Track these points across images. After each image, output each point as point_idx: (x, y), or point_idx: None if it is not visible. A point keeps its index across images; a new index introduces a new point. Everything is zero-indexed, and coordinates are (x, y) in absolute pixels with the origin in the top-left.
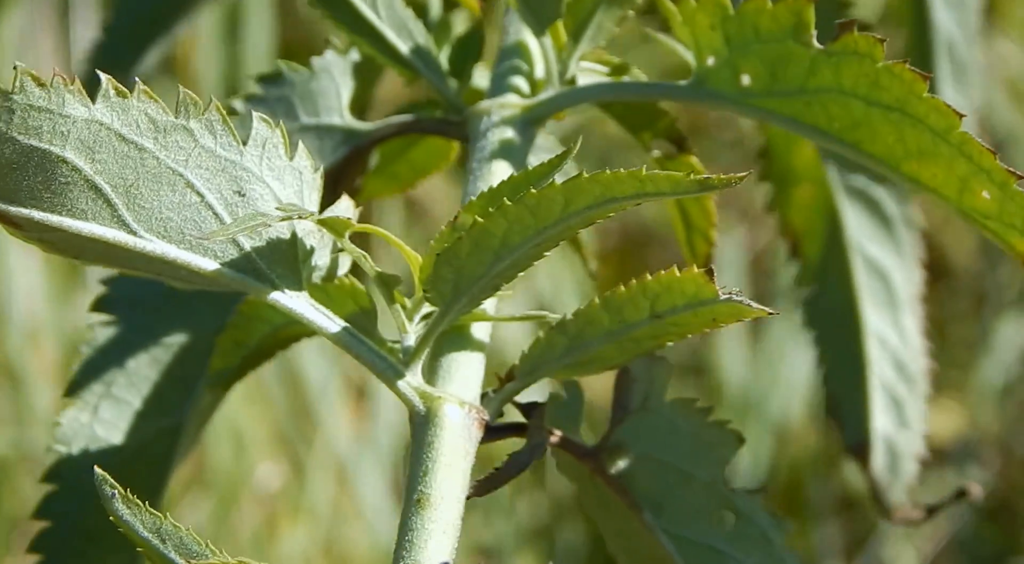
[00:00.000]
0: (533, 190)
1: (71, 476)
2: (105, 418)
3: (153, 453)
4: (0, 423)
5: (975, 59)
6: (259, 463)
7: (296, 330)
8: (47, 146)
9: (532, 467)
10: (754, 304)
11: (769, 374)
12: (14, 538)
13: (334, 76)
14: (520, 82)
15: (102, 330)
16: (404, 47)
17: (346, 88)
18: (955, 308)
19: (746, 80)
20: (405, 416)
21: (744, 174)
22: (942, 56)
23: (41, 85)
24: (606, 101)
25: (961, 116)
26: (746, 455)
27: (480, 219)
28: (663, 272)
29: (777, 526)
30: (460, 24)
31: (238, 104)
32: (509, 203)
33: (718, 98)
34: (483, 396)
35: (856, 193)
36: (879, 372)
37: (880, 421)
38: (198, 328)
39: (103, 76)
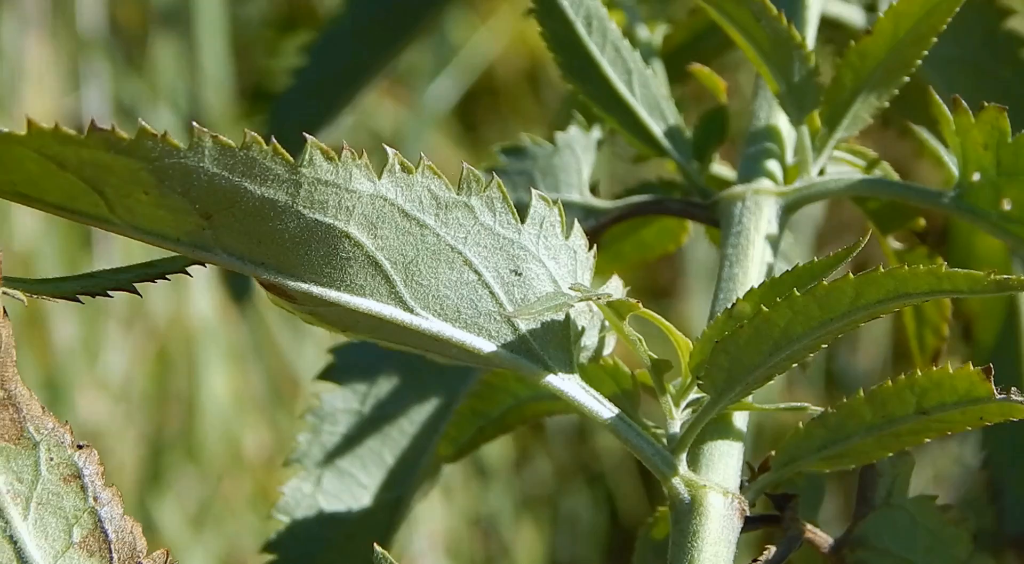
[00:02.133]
0: (824, 282)
1: (293, 546)
2: (328, 489)
3: (374, 525)
4: None
5: None
6: (247, 433)
7: (543, 407)
8: (332, 221)
9: (533, 435)
10: None
11: None
12: None
13: (576, 152)
14: (773, 167)
15: (328, 399)
16: (657, 127)
17: (587, 164)
18: None
19: (1007, 205)
20: None
21: None
22: None
23: (330, 159)
24: (861, 195)
25: None
26: None
27: (765, 308)
28: (934, 368)
29: None
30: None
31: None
32: (798, 294)
33: (976, 215)
34: (740, 486)
35: None
36: None
37: None
38: (426, 403)
39: (390, 150)
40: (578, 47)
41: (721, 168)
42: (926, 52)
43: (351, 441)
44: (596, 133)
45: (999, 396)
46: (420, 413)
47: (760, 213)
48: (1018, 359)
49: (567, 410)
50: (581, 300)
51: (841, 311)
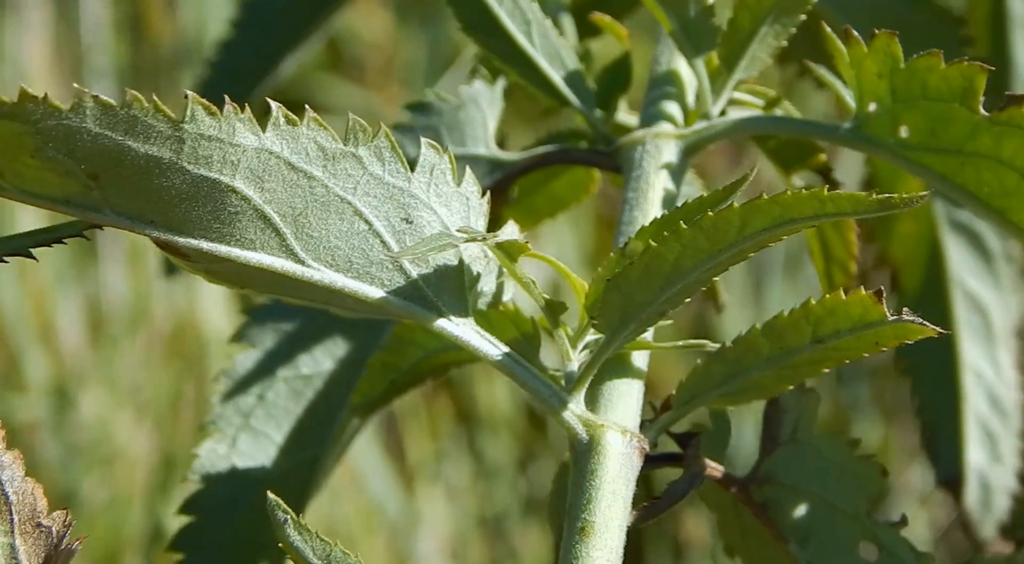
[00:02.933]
0: (710, 213)
1: (209, 507)
2: (244, 450)
3: (292, 485)
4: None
5: None
6: None
7: (449, 357)
8: (217, 176)
9: (538, 435)
10: (925, 323)
11: None
12: None
13: (481, 106)
14: (674, 111)
15: (242, 360)
16: (557, 76)
17: (492, 118)
18: None
19: (904, 132)
20: None
21: (925, 193)
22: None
23: (212, 113)
24: (761, 134)
25: None
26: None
27: (653, 243)
28: (828, 296)
29: (918, 559)
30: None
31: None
32: (685, 226)
33: (874, 145)
34: (641, 425)
35: (959, 227)
36: (974, 406)
37: (974, 455)
38: (339, 360)
39: (273, 104)
40: (475, 1)
41: (629, 117)
42: None
43: (265, 401)
44: (500, 86)
45: (891, 318)
46: (333, 371)
47: (660, 156)
48: (945, 305)
49: (471, 359)
50: (467, 240)
51: (729, 241)
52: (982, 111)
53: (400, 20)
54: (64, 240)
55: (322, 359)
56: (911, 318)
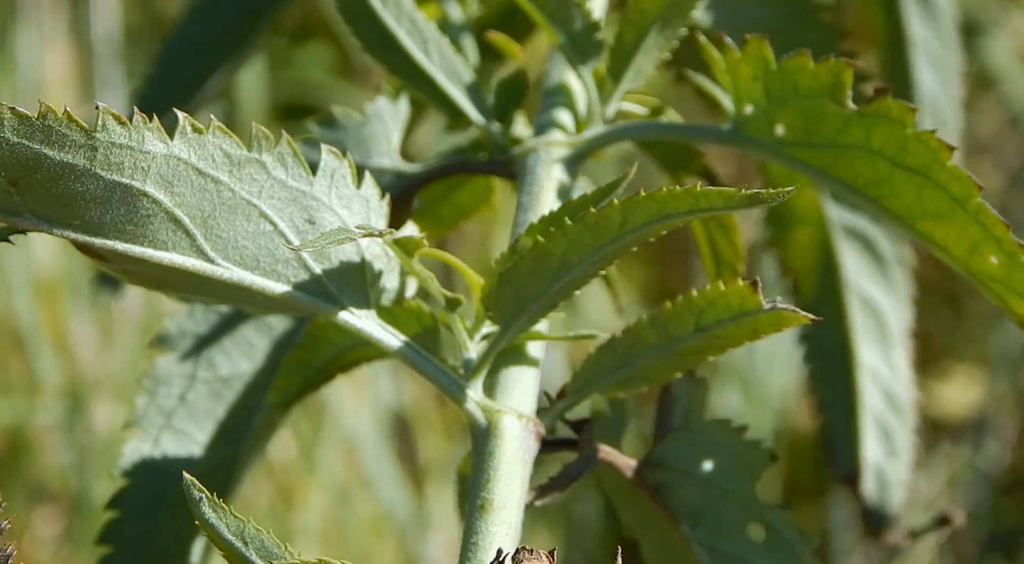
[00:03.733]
0: (592, 209)
1: (133, 503)
2: (167, 448)
3: (214, 480)
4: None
5: (954, 62)
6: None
7: (360, 353)
8: (129, 181)
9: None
10: (798, 310)
11: (767, 351)
12: (32, 504)
13: (385, 121)
14: (565, 120)
15: (162, 363)
16: (455, 91)
17: (396, 132)
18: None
19: (780, 130)
20: (403, 389)
21: (790, 188)
22: (919, 61)
23: (122, 123)
24: (646, 140)
25: (980, 187)
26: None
27: (541, 239)
28: (708, 287)
29: (803, 540)
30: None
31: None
32: (570, 223)
33: (753, 144)
34: (538, 412)
35: (853, 234)
36: (870, 404)
37: (871, 450)
38: (255, 361)
39: (180, 114)
40: (374, 21)
41: (526, 130)
42: (699, 3)
43: (185, 402)
44: (404, 103)
45: (767, 306)
46: (250, 371)
47: (551, 162)
48: (841, 309)
49: (381, 355)
50: (363, 235)
51: (611, 236)
52: (851, 105)
53: None
54: None
55: (239, 361)
56: (784, 306)
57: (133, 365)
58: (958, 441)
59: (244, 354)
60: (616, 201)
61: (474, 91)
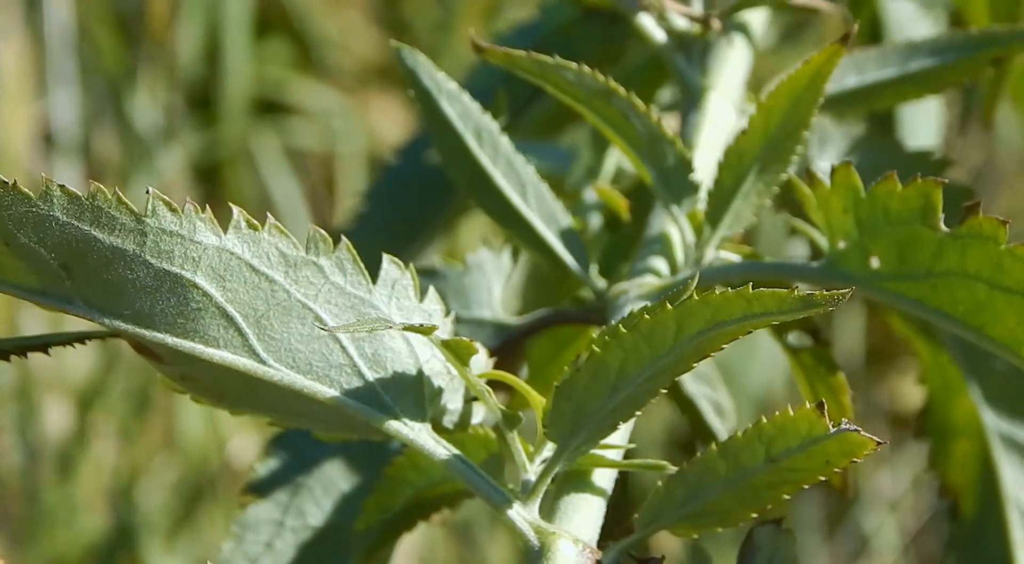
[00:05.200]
0: (647, 316)
1: None
2: None
3: None
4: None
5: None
6: (231, 436)
7: (438, 491)
8: (179, 270)
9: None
10: (864, 433)
11: (748, 346)
12: None
13: (486, 272)
14: (660, 266)
15: (252, 510)
16: (551, 236)
17: (497, 284)
18: None
19: (875, 263)
20: None
21: (847, 291)
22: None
23: (172, 210)
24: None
25: None
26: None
27: (597, 349)
28: (778, 414)
29: None
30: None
31: None
32: (624, 330)
33: (849, 280)
34: (604, 547)
35: (1012, 444)
36: None
37: None
38: (343, 509)
39: (235, 208)
40: (470, 161)
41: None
42: (800, 147)
43: (272, 549)
44: (506, 255)
45: (832, 430)
46: (338, 521)
47: (640, 304)
48: (1002, 526)
49: (458, 493)
50: (404, 328)
51: (667, 346)
52: (943, 227)
53: (371, 23)
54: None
55: (328, 509)
56: (851, 428)
57: (86, 364)
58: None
59: (333, 501)
60: (670, 306)
61: (572, 238)
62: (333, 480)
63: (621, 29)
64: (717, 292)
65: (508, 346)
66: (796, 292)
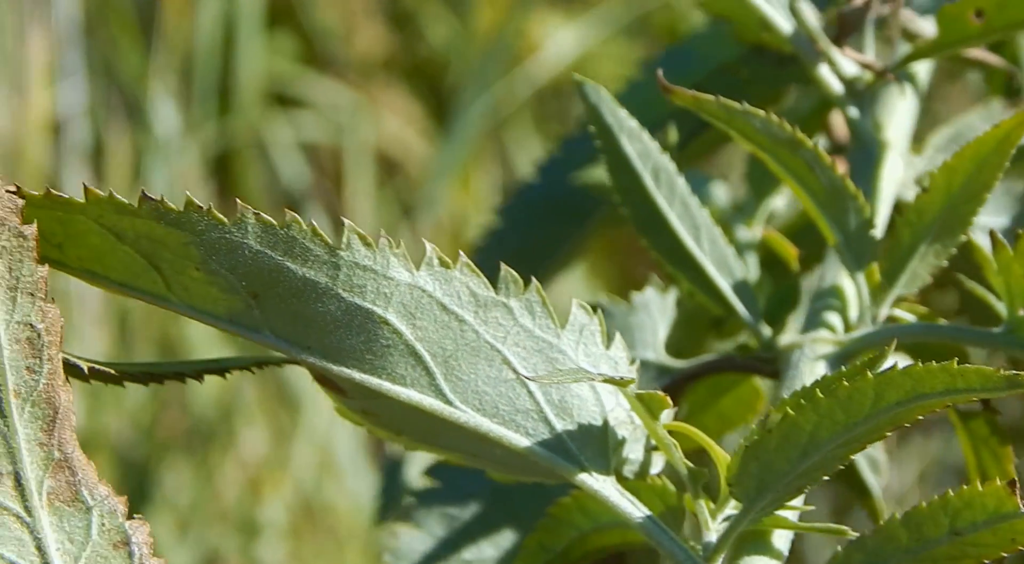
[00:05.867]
0: (846, 383)
1: None
2: None
3: None
4: None
5: None
6: (243, 428)
7: (603, 538)
8: (370, 306)
9: None
10: None
11: None
12: None
13: (652, 313)
14: (834, 320)
15: (407, 539)
16: (723, 282)
17: (662, 326)
18: None
19: None
20: None
21: None
22: None
23: (367, 244)
24: (915, 344)
25: None
26: None
27: (791, 412)
28: (965, 487)
29: None
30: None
31: None
32: (821, 395)
33: None
34: None
35: None
36: None
37: None
38: (499, 548)
39: (428, 245)
40: (646, 200)
41: (792, 334)
42: (980, 209)
43: None
44: (671, 296)
45: (1023, 509)
46: (493, 558)
47: (815, 359)
48: None
49: (624, 541)
50: (601, 380)
51: (863, 414)
52: None
53: (375, 16)
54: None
55: (485, 547)
56: None
57: (95, 345)
58: (929, 434)
59: (490, 540)
60: (870, 375)
61: (744, 287)
62: (487, 515)
63: (789, 73)
64: (919, 365)
65: (670, 390)
66: (1002, 371)
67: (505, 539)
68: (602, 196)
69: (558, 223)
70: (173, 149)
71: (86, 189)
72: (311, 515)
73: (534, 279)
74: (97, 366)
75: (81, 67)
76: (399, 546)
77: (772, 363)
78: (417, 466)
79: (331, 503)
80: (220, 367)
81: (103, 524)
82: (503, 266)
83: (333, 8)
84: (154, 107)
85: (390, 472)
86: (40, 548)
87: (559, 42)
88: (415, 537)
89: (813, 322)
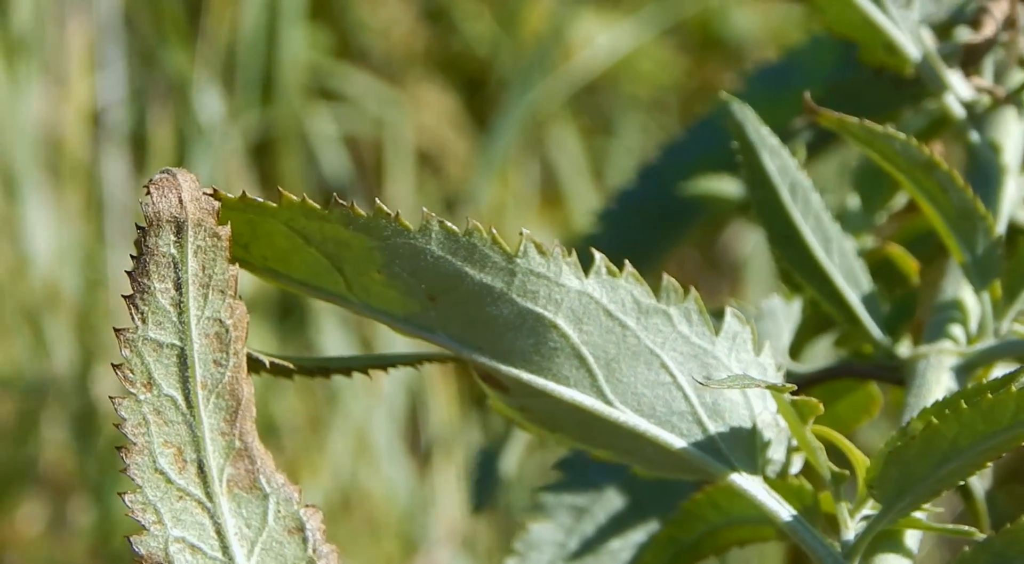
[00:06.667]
0: (989, 395)
1: None
2: None
3: None
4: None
5: None
6: (281, 414)
7: (734, 534)
8: (541, 311)
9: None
10: None
11: None
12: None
13: (778, 320)
14: (956, 332)
15: (537, 529)
16: (851, 294)
17: (787, 333)
18: None
19: None
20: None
21: None
22: None
23: (543, 253)
24: None
25: None
26: None
27: (935, 420)
28: None
29: None
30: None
31: None
32: (965, 406)
33: None
34: None
35: None
36: None
37: None
38: (626, 539)
39: (597, 254)
40: (782, 214)
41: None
42: None
43: None
44: (797, 305)
45: None
46: (619, 548)
47: (941, 369)
48: None
49: (753, 538)
50: (765, 387)
51: (1003, 425)
52: None
53: (410, 10)
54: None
55: (612, 538)
56: None
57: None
58: None
59: (617, 532)
60: (1013, 389)
61: (872, 300)
62: (616, 507)
63: (904, 95)
64: None
65: (796, 393)
66: None
67: (631, 531)
68: (708, 206)
69: (656, 230)
70: (215, 137)
71: (280, 194)
72: (347, 502)
73: (692, 288)
74: (277, 360)
75: (121, 56)
76: (530, 536)
77: (896, 371)
78: (509, 460)
79: (367, 490)
80: (384, 363)
81: (279, 511)
82: (665, 275)
83: (369, 3)
84: (198, 95)
85: (483, 465)
86: (219, 532)
87: (600, 44)
88: (546, 528)
89: (936, 333)
